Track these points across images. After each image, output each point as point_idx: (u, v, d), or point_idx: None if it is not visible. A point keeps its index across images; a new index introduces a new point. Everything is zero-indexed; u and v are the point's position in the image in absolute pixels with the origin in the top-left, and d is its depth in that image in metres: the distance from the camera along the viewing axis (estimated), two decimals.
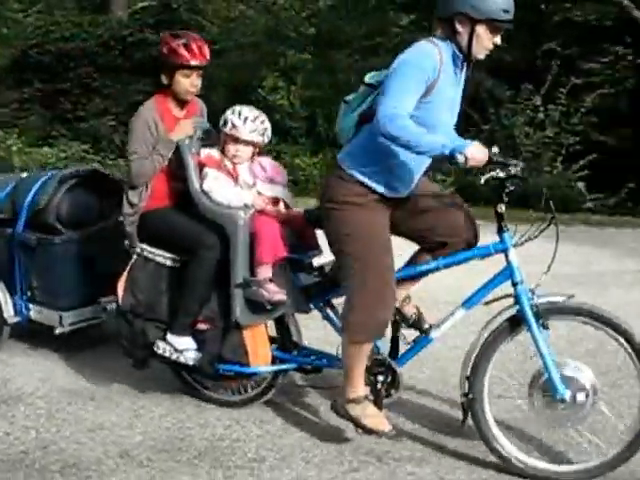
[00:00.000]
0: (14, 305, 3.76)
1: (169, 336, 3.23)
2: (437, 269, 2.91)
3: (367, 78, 2.88)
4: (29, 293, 3.78)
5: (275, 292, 3.06)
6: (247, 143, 3.20)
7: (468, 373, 2.77)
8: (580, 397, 2.67)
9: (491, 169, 2.61)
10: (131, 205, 3.30)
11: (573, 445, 2.87)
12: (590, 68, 12.23)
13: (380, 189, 2.77)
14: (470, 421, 2.82)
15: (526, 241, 2.75)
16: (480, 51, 2.69)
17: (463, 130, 3.27)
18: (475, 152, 2.51)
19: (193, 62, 3.28)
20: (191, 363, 3.20)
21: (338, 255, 2.86)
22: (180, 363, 3.20)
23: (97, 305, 3.63)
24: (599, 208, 10.18)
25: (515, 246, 2.75)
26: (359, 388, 2.90)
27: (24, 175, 4.10)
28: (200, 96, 3.72)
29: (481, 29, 2.64)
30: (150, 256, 3.24)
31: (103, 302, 3.61)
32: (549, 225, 2.72)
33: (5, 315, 3.75)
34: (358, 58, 11.96)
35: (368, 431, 2.88)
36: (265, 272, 3.07)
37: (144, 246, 3.24)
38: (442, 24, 2.72)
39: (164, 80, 3.37)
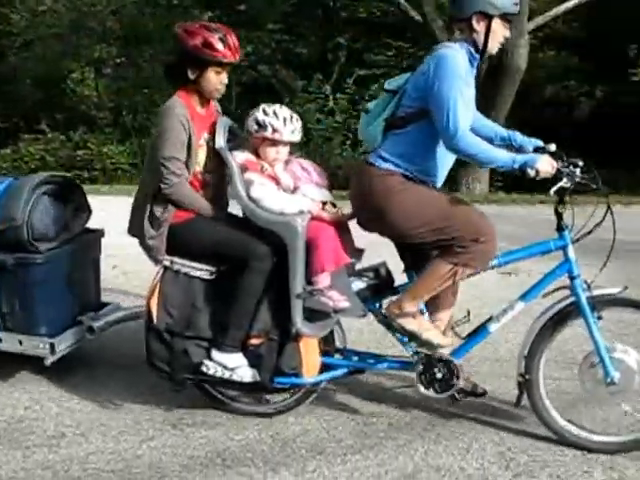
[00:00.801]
0: None
1: (217, 354, 3.03)
2: (499, 266, 3.08)
3: (386, 85, 3.07)
4: (0, 321, 3.40)
5: (339, 300, 3.01)
6: (286, 144, 3.12)
7: (525, 355, 3.02)
8: (628, 377, 2.94)
9: (559, 179, 2.86)
10: (154, 217, 3.07)
11: (620, 419, 3.14)
12: (375, 60, 14.56)
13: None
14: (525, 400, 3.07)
15: (583, 237, 2.98)
16: (494, 46, 2.92)
17: None
18: (545, 166, 2.80)
19: (229, 59, 3.07)
20: (247, 380, 3.05)
21: (422, 233, 2.95)
22: (230, 381, 3.07)
23: (80, 325, 3.45)
24: None
25: (573, 242, 2.96)
26: (419, 303, 3.02)
27: None
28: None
29: (496, 24, 2.87)
30: (183, 269, 3.06)
31: (86, 320, 3.45)
32: (603, 220, 2.93)
33: None
34: (161, 52, 13.44)
35: (427, 344, 3.02)
36: (326, 280, 3.00)
37: (175, 259, 3.06)
38: (460, 25, 2.92)
39: (191, 75, 3.09)
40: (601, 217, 2.93)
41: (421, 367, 3.07)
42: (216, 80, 3.11)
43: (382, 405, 3.36)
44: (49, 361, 3.34)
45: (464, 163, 11.13)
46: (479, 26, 2.90)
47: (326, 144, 12.22)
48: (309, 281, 2.96)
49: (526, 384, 3.02)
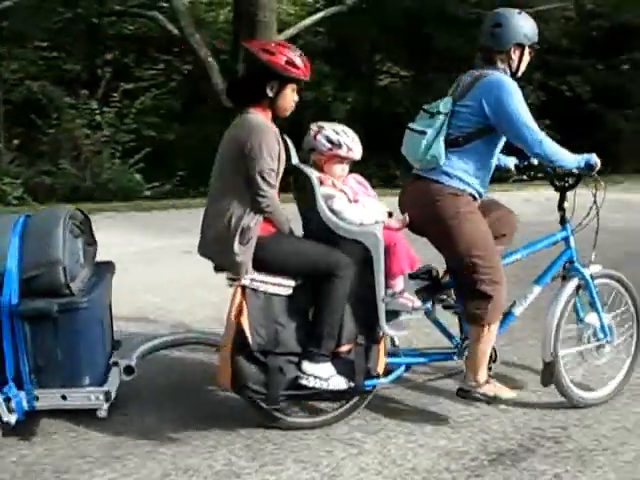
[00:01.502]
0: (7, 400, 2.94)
1: (309, 366, 3.04)
2: (522, 258, 3.50)
3: (436, 108, 3.30)
4: (33, 378, 2.98)
5: (414, 300, 3.27)
6: (349, 161, 3.27)
7: (554, 335, 3.40)
8: (614, 337, 3.58)
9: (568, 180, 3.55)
10: (244, 232, 3.02)
11: (601, 376, 3.65)
12: (142, 75, 14.57)
13: (476, 195, 3.34)
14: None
15: (579, 230, 3.56)
16: (522, 70, 3.42)
17: None
18: (598, 161, 3.41)
19: (306, 77, 3.15)
20: (342, 388, 3.09)
21: (465, 258, 3.20)
22: (326, 391, 3.07)
23: (116, 366, 3.13)
24: (157, 195, 12.25)
25: (573, 233, 3.56)
26: (486, 370, 3.36)
27: None
28: None
29: (526, 52, 3.37)
30: (261, 287, 3.04)
31: (121, 361, 3.15)
32: (588, 214, 3.52)
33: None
34: None
35: (506, 402, 3.46)
36: (401, 282, 3.23)
37: (255, 276, 3.02)
38: (501, 56, 3.34)
39: (270, 92, 3.09)
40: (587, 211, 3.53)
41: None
42: (291, 97, 3.15)
43: (130, 414, 3.38)
44: (104, 411, 3.02)
45: None
46: (515, 55, 3.36)
47: (95, 158, 12.35)
48: (386, 285, 3.15)
49: (554, 362, 3.42)
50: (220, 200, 3.10)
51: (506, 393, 3.41)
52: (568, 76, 13.53)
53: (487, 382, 3.37)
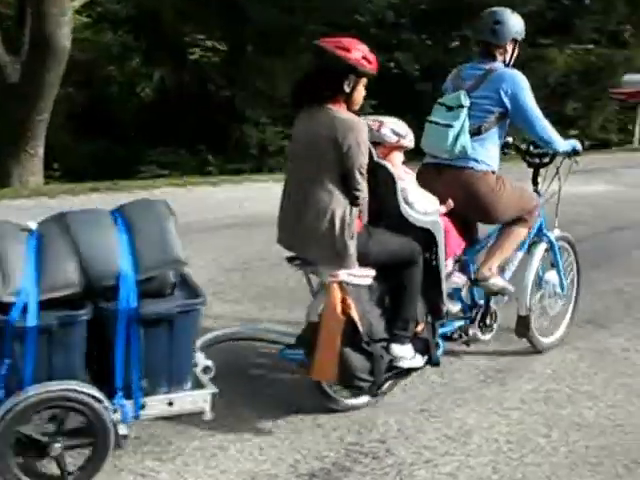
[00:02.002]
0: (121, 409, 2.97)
1: (398, 348, 3.67)
2: None
3: (457, 101, 4.08)
4: (144, 384, 3.03)
5: (462, 277, 4.26)
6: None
7: (529, 292, 4.48)
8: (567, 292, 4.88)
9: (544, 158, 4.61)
10: (350, 228, 3.44)
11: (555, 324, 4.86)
12: None
13: (496, 171, 4.25)
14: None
15: (546, 201, 4.62)
16: (513, 61, 4.31)
17: None
18: (581, 146, 4.61)
19: (375, 72, 3.57)
20: (422, 364, 3.81)
21: (512, 216, 4.30)
22: (412, 369, 3.79)
23: (195, 367, 3.28)
24: None
25: (543, 205, 4.59)
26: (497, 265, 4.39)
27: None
28: None
29: (517, 45, 4.28)
30: (354, 280, 3.49)
31: (199, 359, 3.34)
32: (551, 183, 4.66)
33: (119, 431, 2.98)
34: None
35: (507, 292, 4.39)
36: (452, 263, 4.13)
37: (352, 270, 3.47)
38: (499, 50, 4.21)
39: (347, 88, 3.47)
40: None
41: (480, 317, 4.40)
42: (362, 91, 3.56)
43: None
44: (210, 414, 3.20)
45: (18, 157, 10.57)
46: (509, 48, 4.25)
47: None
48: None
49: (529, 315, 4.51)
50: (314, 196, 3.44)
51: (509, 287, 4.39)
52: (396, 52, 13.99)
53: (497, 275, 4.32)
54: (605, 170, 12.89)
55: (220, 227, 7.43)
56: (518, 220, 4.33)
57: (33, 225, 3.03)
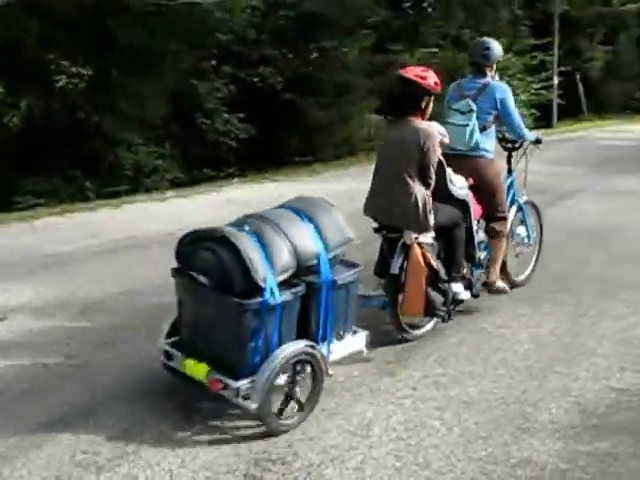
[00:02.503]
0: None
1: (455, 286, 4.94)
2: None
3: (468, 107, 5.22)
4: (337, 334, 4.01)
5: (482, 233, 5.51)
6: None
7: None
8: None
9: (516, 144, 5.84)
10: (427, 205, 4.64)
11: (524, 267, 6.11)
12: None
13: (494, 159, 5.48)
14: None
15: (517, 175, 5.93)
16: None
17: None
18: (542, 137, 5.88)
19: (439, 92, 4.71)
20: (468, 297, 5.20)
21: (498, 196, 5.43)
22: (461, 300, 5.10)
23: None
24: None
25: (515, 179, 5.90)
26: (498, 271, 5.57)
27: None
28: None
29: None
30: (426, 240, 4.62)
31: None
32: (521, 158, 5.90)
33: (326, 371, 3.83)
34: None
35: (504, 291, 5.56)
36: (476, 224, 5.29)
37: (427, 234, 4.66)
38: (488, 68, 5.41)
39: (423, 105, 4.62)
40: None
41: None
42: (431, 106, 4.69)
43: None
44: (366, 351, 4.22)
45: None
46: (494, 67, 5.48)
47: None
48: None
49: (506, 261, 5.74)
50: (399, 184, 4.60)
51: (507, 288, 5.65)
52: (260, 67, 13.99)
53: (501, 280, 5.60)
54: None
55: (105, 252, 7.17)
56: (498, 228, 5.45)
57: None
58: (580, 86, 24.22)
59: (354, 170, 12.82)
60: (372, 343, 4.47)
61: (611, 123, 22.31)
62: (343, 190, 10.45)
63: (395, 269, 4.62)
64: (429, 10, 17.65)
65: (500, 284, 5.52)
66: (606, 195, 10.08)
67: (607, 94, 25.20)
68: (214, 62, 13.78)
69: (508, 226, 5.55)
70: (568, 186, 11.01)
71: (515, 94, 19.54)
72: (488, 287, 5.46)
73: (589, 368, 4.48)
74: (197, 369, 3.59)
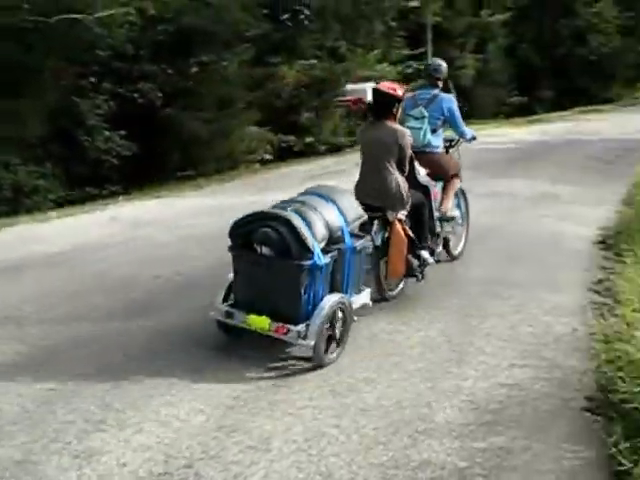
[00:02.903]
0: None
1: (424, 253, 6.07)
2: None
3: (421, 114, 6.51)
4: (355, 289, 5.15)
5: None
6: None
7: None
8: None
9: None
10: (404, 189, 5.79)
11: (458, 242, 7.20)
12: None
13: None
14: None
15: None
16: None
17: None
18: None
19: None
20: (433, 262, 6.29)
21: (451, 169, 6.85)
22: (426, 264, 6.11)
23: None
24: None
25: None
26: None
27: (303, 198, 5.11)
28: None
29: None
30: (402, 216, 5.76)
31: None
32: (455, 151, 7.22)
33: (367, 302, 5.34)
34: None
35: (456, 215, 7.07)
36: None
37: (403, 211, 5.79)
38: (439, 81, 6.80)
39: (395, 111, 5.75)
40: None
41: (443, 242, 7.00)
42: (400, 111, 5.97)
43: None
44: (371, 302, 5.42)
45: None
46: (443, 80, 6.87)
47: None
48: None
49: (448, 238, 6.98)
50: (382, 173, 5.69)
51: (457, 214, 7.17)
52: (140, 83, 13.74)
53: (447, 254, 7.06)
54: (342, 171, 13.59)
55: None
56: (455, 175, 6.89)
57: None
58: (454, 93, 25.03)
59: (235, 184, 12.83)
60: (266, 359, 4.52)
61: (484, 128, 23.19)
62: (225, 204, 10.43)
63: (378, 241, 5.62)
64: (306, 23, 17.83)
65: (453, 211, 6.94)
66: (484, 197, 10.42)
67: (479, 100, 26.22)
68: (94, 79, 13.49)
69: (459, 180, 7.02)
70: None
71: None
72: (442, 214, 6.72)
73: (479, 367, 4.61)
74: (260, 321, 4.64)
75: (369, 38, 19.50)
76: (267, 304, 4.67)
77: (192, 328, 5.21)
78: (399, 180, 5.69)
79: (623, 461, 3.35)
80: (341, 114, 18.51)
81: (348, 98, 18.13)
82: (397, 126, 5.74)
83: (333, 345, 4.73)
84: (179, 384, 4.33)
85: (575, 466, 3.50)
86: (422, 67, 22.41)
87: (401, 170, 5.73)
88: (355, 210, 5.12)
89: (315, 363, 4.57)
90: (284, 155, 16.55)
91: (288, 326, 4.56)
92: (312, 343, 4.51)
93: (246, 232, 4.75)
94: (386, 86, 5.79)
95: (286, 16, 17.67)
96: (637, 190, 10.32)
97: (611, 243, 7.60)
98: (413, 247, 5.83)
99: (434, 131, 6.60)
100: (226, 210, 9.88)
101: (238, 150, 15.41)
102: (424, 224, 6.12)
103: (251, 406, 4.07)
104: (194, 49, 14.60)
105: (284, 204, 4.93)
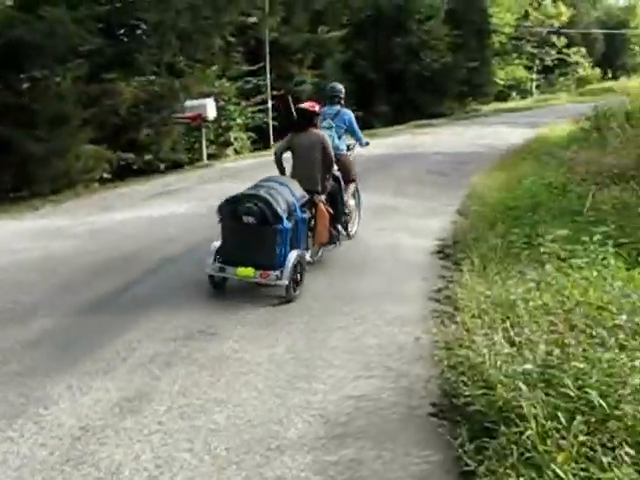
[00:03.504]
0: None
1: (339, 227, 8.27)
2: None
3: (329, 124, 8.48)
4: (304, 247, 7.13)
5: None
6: None
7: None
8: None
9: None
10: (328, 179, 7.93)
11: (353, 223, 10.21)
12: None
13: None
14: None
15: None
16: None
17: None
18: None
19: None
20: (344, 234, 8.54)
21: (350, 171, 8.75)
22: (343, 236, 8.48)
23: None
24: None
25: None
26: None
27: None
28: None
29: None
30: (323, 199, 7.70)
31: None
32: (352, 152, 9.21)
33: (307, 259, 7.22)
34: None
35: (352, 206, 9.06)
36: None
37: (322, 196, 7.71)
38: (340, 99, 8.85)
39: (315, 121, 7.79)
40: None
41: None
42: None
43: None
44: (311, 260, 7.51)
45: None
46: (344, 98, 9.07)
47: None
48: None
49: (348, 218, 8.83)
50: (313, 168, 7.51)
51: (353, 204, 9.10)
52: None
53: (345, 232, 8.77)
54: (184, 189, 13.58)
55: None
56: (352, 180, 8.80)
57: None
58: (292, 108, 25.39)
59: (72, 204, 12.46)
60: (112, 386, 4.38)
61: None
62: (63, 225, 10.10)
63: (309, 216, 7.32)
64: (144, 38, 17.57)
65: (351, 202, 8.83)
66: None
67: None
68: None
69: (354, 185, 8.95)
70: None
71: (232, 118, 20.78)
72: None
73: (327, 380, 4.74)
74: (247, 272, 6.51)
75: (208, 53, 19.48)
76: (250, 259, 6.53)
77: (24, 359, 5.02)
78: (323, 172, 7.69)
79: (469, 462, 3.58)
80: (180, 131, 18.39)
81: (187, 115, 18.18)
82: (319, 131, 7.78)
83: (296, 285, 6.63)
84: (21, 417, 4.19)
85: (424, 470, 3.70)
86: (261, 82, 23.18)
87: (328, 166, 7.72)
88: (300, 192, 7.05)
89: (287, 298, 6.47)
90: (123, 173, 16.20)
91: (269, 272, 6.45)
92: (286, 282, 6.43)
93: (232, 208, 6.57)
94: (307, 105, 7.82)
95: (122, 31, 17.36)
96: (471, 201, 10.95)
97: (448, 253, 8.05)
98: (332, 221, 7.78)
99: (340, 137, 8.73)
100: (63, 232, 9.57)
101: (75, 169, 14.89)
102: (338, 205, 8.12)
103: (99, 435, 3.99)
104: (25, 64, 14.01)
105: (255, 189, 6.74)
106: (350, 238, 8.62)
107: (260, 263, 6.47)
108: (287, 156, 7.70)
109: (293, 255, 6.56)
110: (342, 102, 8.88)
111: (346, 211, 8.45)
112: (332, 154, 7.67)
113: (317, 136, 7.58)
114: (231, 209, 6.56)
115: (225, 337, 5.51)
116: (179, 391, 4.55)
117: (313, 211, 7.45)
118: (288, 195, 6.77)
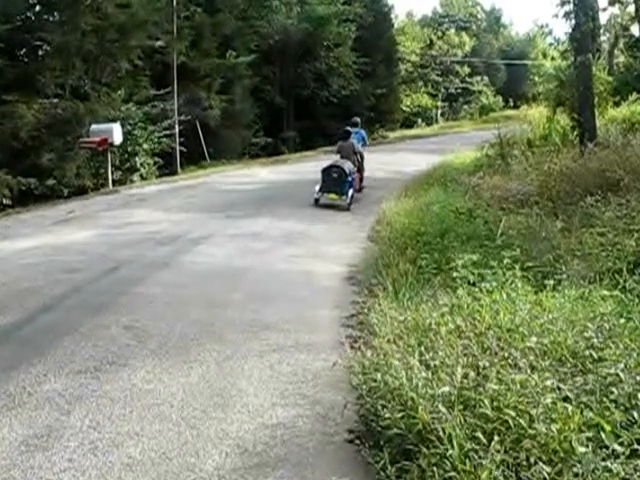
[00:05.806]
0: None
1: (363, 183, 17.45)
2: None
3: (355, 138, 16.48)
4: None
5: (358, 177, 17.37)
6: None
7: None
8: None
9: None
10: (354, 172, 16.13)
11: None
12: None
13: None
14: None
15: None
16: None
17: None
18: None
19: None
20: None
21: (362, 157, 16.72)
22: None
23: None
24: None
25: None
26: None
27: None
28: None
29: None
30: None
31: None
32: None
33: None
34: None
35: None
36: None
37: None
38: (357, 126, 17.60)
39: (351, 137, 16.45)
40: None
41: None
42: None
43: None
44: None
45: None
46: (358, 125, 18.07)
47: None
48: None
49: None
50: (350, 157, 15.37)
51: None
52: None
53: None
54: (90, 215, 13.32)
55: None
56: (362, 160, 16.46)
57: None
58: (200, 133, 25.36)
59: None
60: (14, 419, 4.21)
61: (233, 168, 23.73)
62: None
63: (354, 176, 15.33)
64: (46, 60, 17.20)
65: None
66: (234, 238, 10.69)
67: (226, 140, 26.79)
68: None
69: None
70: (198, 232, 11.46)
71: (138, 143, 20.52)
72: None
73: (243, 409, 4.71)
74: (334, 196, 14.42)
75: (115, 77, 19.23)
76: (334, 190, 14.34)
77: None
78: (354, 158, 15.40)
79: None
80: (85, 155, 18.04)
81: (93, 139, 17.90)
82: (352, 140, 15.69)
83: (350, 204, 14.28)
84: None
85: None
86: (169, 107, 23.09)
87: (356, 155, 15.47)
88: (352, 166, 14.84)
89: (347, 208, 14.07)
90: (25, 200, 15.77)
91: (343, 197, 14.29)
92: (348, 201, 14.26)
93: (326, 168, 14.47)
94: (349, 128, 16.04)
95: (23, 51, 16.96)
96: (380, 227, 11.16)
97: (360, 278, 8.14)
98: (360, 180, 15.97)
99: (358, 142, 16.06)
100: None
101: None
102: (362, 172, 16.13)
103: (5, 476, 3.83)
104: None
105: (335, 162, 14.76)
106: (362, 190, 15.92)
107: (339, 192, 14.22)
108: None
109: (351, 191, 14.32)
110: (359, 125, 17.24)
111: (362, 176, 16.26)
112: (358, 150, 15.68)
113: (351, 142, 15.55)
114: (326, 168, 14.41)
115: (136, 368, 5.40)
116: (90, 425, 4.41)
117: (355, 174, 15.06)
118: (349, 166, 14.61)
